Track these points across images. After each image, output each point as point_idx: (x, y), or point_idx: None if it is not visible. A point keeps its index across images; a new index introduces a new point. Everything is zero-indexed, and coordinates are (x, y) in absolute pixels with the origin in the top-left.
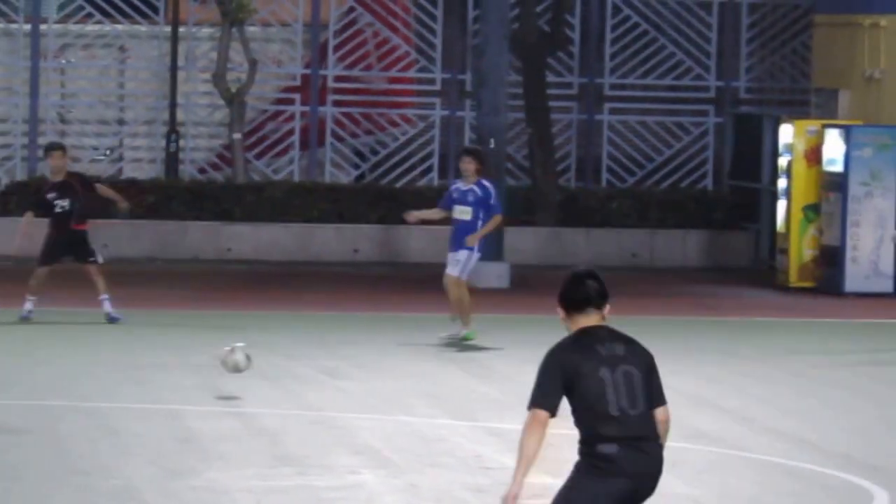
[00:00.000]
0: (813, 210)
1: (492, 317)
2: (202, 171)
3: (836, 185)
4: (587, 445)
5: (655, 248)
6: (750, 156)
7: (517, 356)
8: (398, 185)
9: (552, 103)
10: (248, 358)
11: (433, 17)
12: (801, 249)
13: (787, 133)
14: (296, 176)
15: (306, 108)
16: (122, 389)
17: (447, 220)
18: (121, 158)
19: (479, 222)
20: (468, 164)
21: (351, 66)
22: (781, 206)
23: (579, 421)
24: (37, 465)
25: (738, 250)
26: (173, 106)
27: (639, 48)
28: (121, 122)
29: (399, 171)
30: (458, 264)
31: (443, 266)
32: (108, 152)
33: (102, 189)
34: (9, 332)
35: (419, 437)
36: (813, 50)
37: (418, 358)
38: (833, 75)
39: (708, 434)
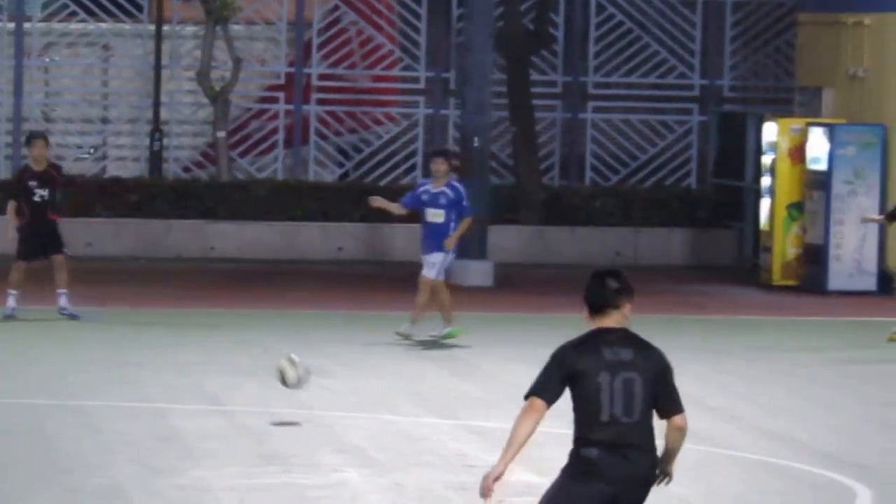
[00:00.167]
0: (797, 208)
1: (476, 315)
2: (186, 169)
3: (820, 183)
4: (574, 447)
5: (639, 246)
6: (734, 154)
7: (501, 355)
8: (382, 183)
9: (536, 101)
10: (297, 377)
11: (417, 16)
12: (785, 248)
13: (770, 131)
14: (280, 174)
15: (290, 107)
16: (108, 388)
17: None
18: (105, 157)
19: (452, 224)
20: (440, 165)
21: (335, 65)
22: (765, 204)
23: (575, 421)
24: (22, 463)
25: (722, 248)
26: (157, 104)
27: (623, 46)
28: (105, 120)
29: (383, 169)
30: (434, 267)
31: None
32: (91, 151)
33: None
34: None
35: (403, 436)
36: (797, 48)
37: (402, 356)
38: (817, 74)
39: (695, 433)
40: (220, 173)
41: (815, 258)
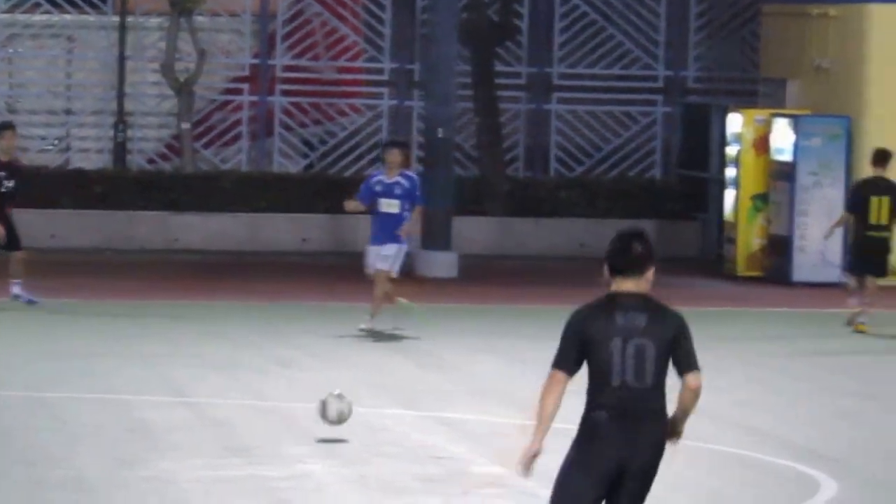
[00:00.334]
0: (761, 199)
1: (441, 306)
2: (151, 161)
3: (785, 174)
4: (585, 411)
5: (604, 237)
6: (698, 145)
7: (466, 346)
8: (347, 174)
9: (501, 93)
10: (339, 411)
11: (382, 7)
12: (750, 239)
13: (735, 122)
14: (244, 166)
15: (255, 98)
16: (72, 379)
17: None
18: (69, 148)
19: (406, 214)
20: (396, 157)
21: (299, 56)
22: (730, 195)
23: (588, 386)
24: None
25: (687, 240)
26: (121, 96)
27: (587, 38)
28: (69, 112)
29: (348, 160)
30: (389, 259)
31: None
32: (56, 142)
33: None
34: None
35: (368, 427)
36: (761, 39)
37: (367, 347)
38: (782, 65)
39: None
40: (185, 165)
41: (779, 249)
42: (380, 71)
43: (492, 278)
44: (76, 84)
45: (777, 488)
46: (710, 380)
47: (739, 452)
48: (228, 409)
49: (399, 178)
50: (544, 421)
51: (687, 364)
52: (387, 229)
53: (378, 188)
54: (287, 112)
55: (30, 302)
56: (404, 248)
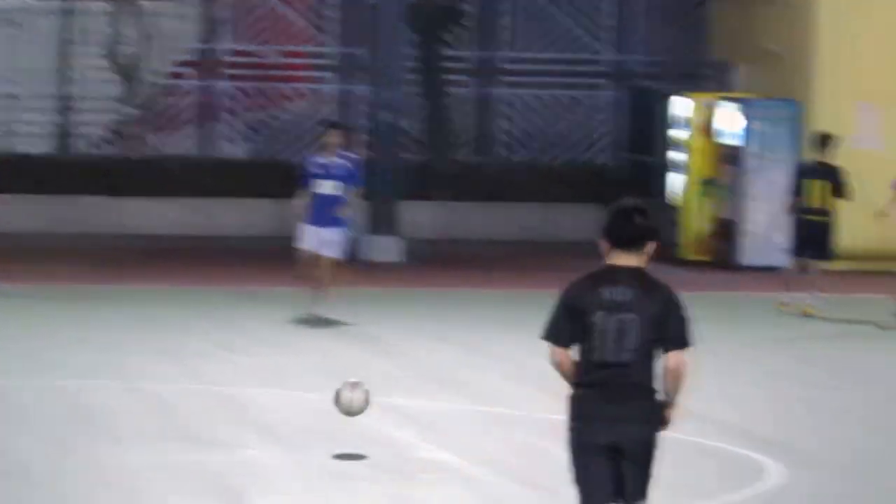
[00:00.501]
0: (709, 183)
1: (387, 291)
2: (96, 146)
3: (733, 158)
4: (573, 387)
5: (551, 222)
6: (646, 130)
7: (412, 330)
8: (293, 159)
9: (448, 77)
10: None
11: None
12: (697, 222)
13: (683, 107)
14: (190, 150)
15: (201, 83)
16: (15, 365)
17: None
18: (13, 133)
19: (345, 196)
20: (333, 137)
21: (245, 41)
22: (677, 179)
23: (578, 360)
24: None
25: None
26: (66, 81)
27: (535, 22)
28: (13, 96)
29: (294, 145)
30: (334, 245)
31: None
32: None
33: None
34: None
35: (312, 412)
36: (710, 24)
37: (313, 333)
38: (730, 49)
39: None
40: (130, 150)
41: (727, 233)
42: (327, 55)
43: (438, 263)
44: (21, 69)
45: (724, 474)
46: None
47: (686, 438)
48: (173, 395)
49: (339, 159)
50: (568, 378)
51: (670, 342)
52: (324, 210)
53: (315, 169)
54: (233, 97)
55: None
56: (346, 231)
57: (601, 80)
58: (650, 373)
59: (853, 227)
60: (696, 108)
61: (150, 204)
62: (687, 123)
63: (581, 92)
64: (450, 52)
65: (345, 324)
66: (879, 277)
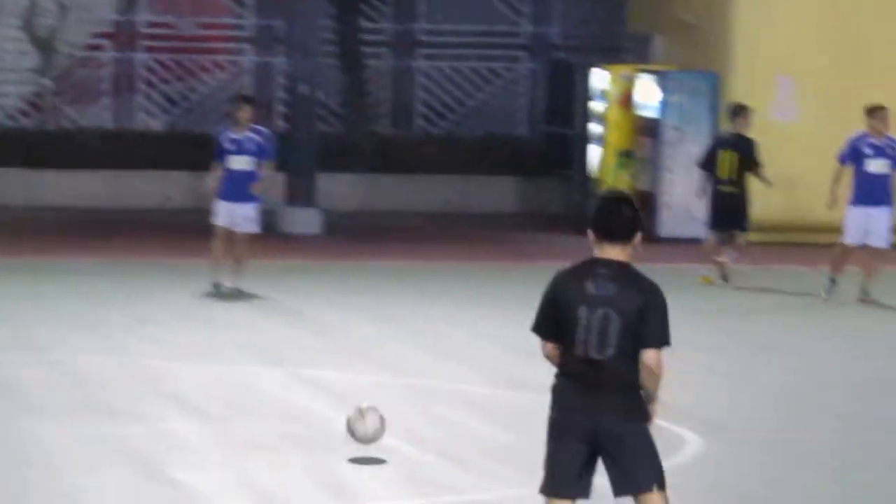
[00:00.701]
0: (626, 155)
1: (305, 263)
2: (11, 117)
3: (650, 130)
4: (554, 377)
5: (468, 194)
6: (564, 102)
7: (330, 303)
8: (210, 132)
9: (366, 49)
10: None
11: None
12: None
13: (600, 79)
14: (107, 122)
15: (118, 55)
16: None
17: None
18: None
19: (258, 170)
20: (246, 112)
21: (163, 12)
22: (595, 151)
23: (560, 351)
24: None
25: (552, 196)
26: None
27: None
28: None
29: (211, 117)
30: (251, 221)
31: None
32: None
33: None
34: None
35: (231, 385)
36: None
37: (232, 305)
38: (647, 21)
39: (524, 381)
40: (47, 122)
41: (644, 205)
42: (244, 27)
43: (356, 235)
44: None
45: None
46: None
47: None
48: (90, 367)
49: (251, 134)
50: None
51: (647, 339)
52: (239, 186)
53: (229, 145)
54: (150, 69)
55: None
56: (260, 206)
57: (520, 53)
58: (633, 367)
59: (766, 199)
60: (613, 81)
61: (67, 176)
62: (604, 96)
63: (499, 64)
64: (367, 25)
65: (263, 297)
66: (793, 249)
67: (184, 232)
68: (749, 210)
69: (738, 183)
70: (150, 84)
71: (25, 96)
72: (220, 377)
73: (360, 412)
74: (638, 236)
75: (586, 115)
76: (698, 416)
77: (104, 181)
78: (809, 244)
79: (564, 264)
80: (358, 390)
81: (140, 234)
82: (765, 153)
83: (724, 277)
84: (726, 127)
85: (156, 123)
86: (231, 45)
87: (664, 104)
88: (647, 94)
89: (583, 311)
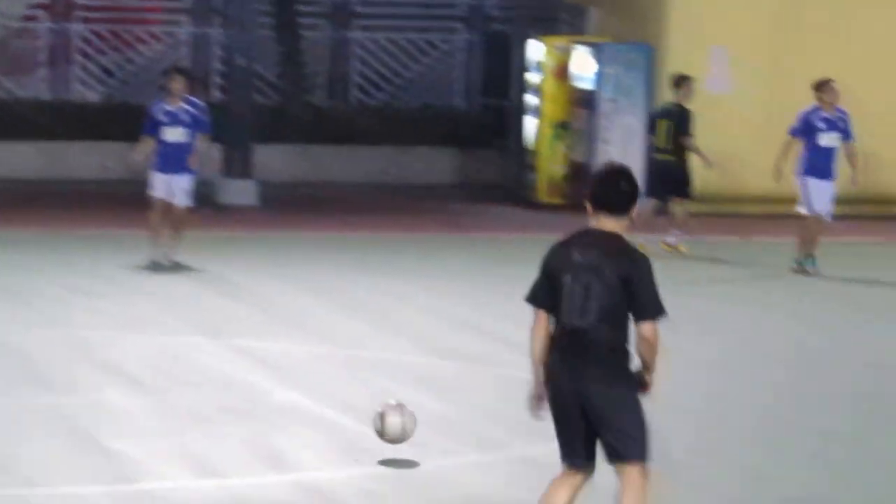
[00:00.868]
0: (562, 127)
1: (241, 235)
2: None
3: (586, 101)
4: (550, 348)
5: (405, 165)
6: (500, 73)
7: (266, 274)
8: (146, 103)
9: (302, 20)
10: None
11: None
12: (551, 166)
13: (536, 50)
14: (43, 94)
15: (54, 26)
16: None
17: None
18: None
19: (193, 142)
20: (179, 83)
21: None
22: (531, 123)
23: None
24: None
25: (488, 168)
26: None
27: None
28: None
29: (148, 89)
30: (185, 193)
31: None
32: None
33: None
34: None
35: (167, 356)
36: None
37: (169, 277)
38: None
39: (458, 350)
40: None
41: (580, 176)
42: None
43: (292, 206)
44: None
45: None
46: (509, 308)
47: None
48: (25, 338)
49: (185, 106)
50: (534, 362)
51: (641, 312)
52: (174, 158)
53: (163, 117)
54: (86, 40)
55: None
56: (195, 177)
57: (456, 24)
58: (620, 336)
59: (700, 169)
60: (548, 52)
61: (3, 147)
62: (540, 67)
63: (436, 36)
64: None
65: (200, 269)
66: (727, 220)
67: (121, 203)
68: (689, 179)
69: (674, 152)
70: (86, 55)
71: None
72: (158, 348)
73: (386, 413)
74: (634, 210)
75: (522, 87)
76: None
77: (40, 152)
78: (743, 215)
79: (500, 235)
80: (292, 360)
81: (77, 206)
82: (700, 124)
83: (671, 245)
84: (664, 99)
85: (92, 94)
86: (167, 16)
87: (600, 76)
88: (583, 66)
89: (567, 279)
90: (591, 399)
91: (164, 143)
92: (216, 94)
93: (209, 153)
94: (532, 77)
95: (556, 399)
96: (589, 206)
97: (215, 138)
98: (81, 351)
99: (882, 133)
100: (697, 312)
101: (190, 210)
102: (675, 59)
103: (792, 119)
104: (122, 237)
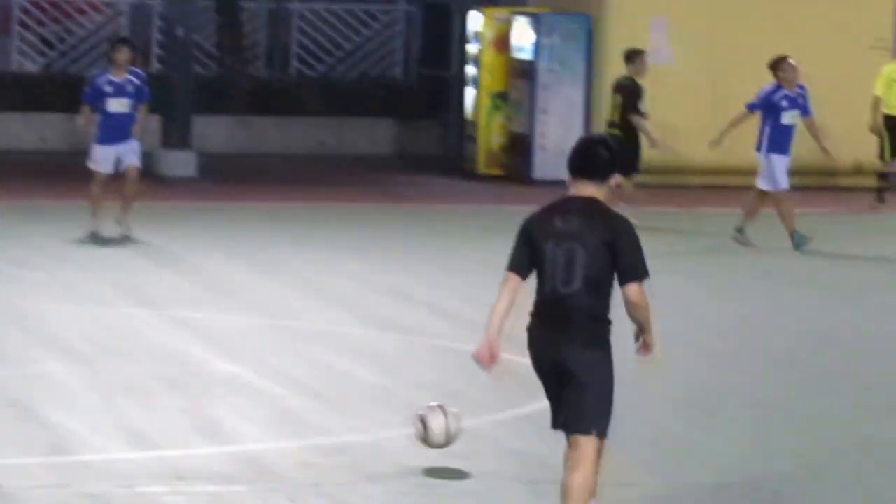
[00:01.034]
0: (501, 97)
1: (180, 206)
2: None
3: (525, 72)
4: (530, 315)
5: (344, 136)
6: (440, 44)
7: (205, 245)
8: (86, 73)
9: None
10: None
11: None
12: (490, 137)
13: (475, 21)
14: None
15: None
16: None
17: None
18: None
19: (136, 113)
20: (126, 55)
21: None
22: (470, 94)
23: None
24: None
25: (427, 139)
26: None
27: None
28: None
29: (87, 59)
30: (136, 154)
31: None
32: None
33: None
34: None
35: (105, 327)
36: None
37: (106, 248)
38: None
39: (396, 322)
40: None
41: (519, 147)
42: None
43: (231, 177)
44: None
45: (518, 386)
46: (448, 279)
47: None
48: None
49: (129, 77)
50: (492, 318)
51: (626, 274)
52: (119, 129)
53: (108, 88)
54: (24, 10)
55: None
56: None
57: None
58: (601, 302)
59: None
60: (487, 23)
61: None
62: (479, 38)
63: (376, 6)
64: None
65: (138, 240)
66: (667, 191)
67: (59, 174)
68: (636, 154)
69: (622, 126)
70: (25, 26)
71: None
72: (95, 319)
73: (428, 417)
74: (614, 178)
75: (463, 58)
76: None
77: None
78: (683, 186)
79: (438, 206)
80: (230, 331)
81: (15, 177)
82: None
83: None
84: (604, 70)
85: (32, 65)
86: None
87: (539, 46)
88: (522, 37)
89: (550, 246)
90: (567, 364)
91: (108, 115)
92: (156, 65)
93: (148, 124)
94: (472, 48)
95: (538, 367)
96: (568, 176)
97: (154, 109)
98: (18, 323)
99: (827, 104)
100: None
101: (141, 173)
102: (614, 30)
103: (734, 89)
104: (59, 208)
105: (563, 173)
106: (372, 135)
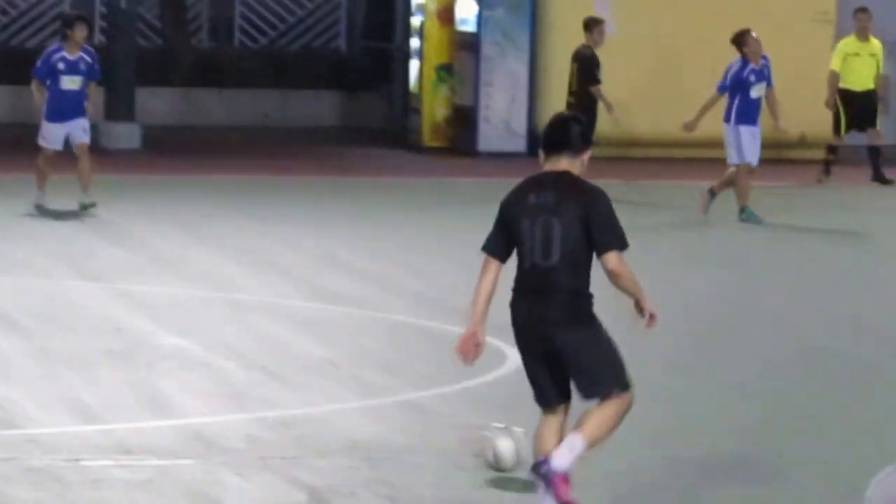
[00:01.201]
0: (445, 70)
1: (123, 178)
2: None
3: (469, 44)
4: (512, 291)
5: (288, 108)
6: (383, 16)
7: (148, 217)
8: (29, 45)
9: None
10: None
11: None
12: (434, 109)
13: None
14: None
15: None
16: None
17: None
18: None
19: (87, 90)
20: (83, 32)
21: None
22: (414, 66)
23: None
24: None
25: (372, 111)
26: None
27: None
28: None
29: (29, 31)
30: (85, 131)
31: None
32: None
33: None
34: None
35: (50, 300)
36: None
37: (48, 220)
38: None
39: (342, 295)
40: None
41: (464, 120)
42: None
43: (175, 150)
44: None
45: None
46: (392, 252)
47: (421, 323)
48: None
49: (83, 55)
50: (476, 305)
51: (604, 245)
52: (71, 106)
53: (61, 66)
54: None
55: None
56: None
57: None
58: (581, 275)
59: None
60: None
61: None
62: (421, 9)
63: None
64: None
65: (80, 212)
66: (612, 163)
67: (3, 147)
68: (591, 127)
69: (577, 95)
70: None
71: None
72: (39, 292)
73: (496, 440)
74: (587, 153)
75: (406, 30)
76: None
77: None
78: (627, 158)
79: (383, 179)
80: (174, 304)
81: None
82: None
83: None
84: (547, 42)
85: None
86: None
87: (482, 18)
88: (466, 9)
89: (526, 223)
90: (555, 343)
91: (59, 92)
92: (99, 37)
93: (97, 98)
94: (415, 20)
95: (522, 343)
96: (541, 154)
97: (98, 82)
98: None
99: (779, 77)
100: None
101: (90, 149)
102: (558, 2)
103: (678, 60)
104: (3, 182)
105: (507, 145)
106: (316, 107)
